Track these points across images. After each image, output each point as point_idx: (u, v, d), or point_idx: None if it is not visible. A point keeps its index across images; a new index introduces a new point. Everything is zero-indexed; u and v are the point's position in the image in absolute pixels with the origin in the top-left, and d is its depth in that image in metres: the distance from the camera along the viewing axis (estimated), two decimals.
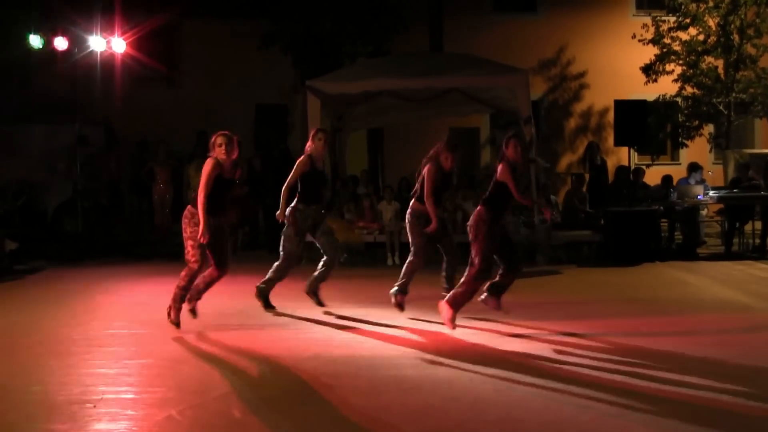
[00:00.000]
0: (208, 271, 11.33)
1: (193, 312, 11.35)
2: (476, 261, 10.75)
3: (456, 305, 10.95)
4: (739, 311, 12.63)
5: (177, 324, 11.22)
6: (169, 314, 11.28)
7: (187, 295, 11.30)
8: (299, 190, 12.44)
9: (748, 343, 10.40)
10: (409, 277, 12.31)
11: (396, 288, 12.31)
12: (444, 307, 10.98)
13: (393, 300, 12.28)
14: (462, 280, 10.94)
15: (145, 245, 21.07)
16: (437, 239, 12.21)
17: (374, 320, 11.87)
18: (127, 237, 21.62)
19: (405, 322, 11.77)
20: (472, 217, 10.90)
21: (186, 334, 11.01)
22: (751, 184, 19.97)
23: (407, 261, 12.38)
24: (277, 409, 7.80)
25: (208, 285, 11.43)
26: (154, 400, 8.04)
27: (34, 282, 16.42)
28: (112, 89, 24.19)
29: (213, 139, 11.22)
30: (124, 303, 13.90)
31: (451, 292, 11.11)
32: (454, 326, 10.92)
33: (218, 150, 11.05)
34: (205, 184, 10.92)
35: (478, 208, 10.87)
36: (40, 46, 20.23)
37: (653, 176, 22.45)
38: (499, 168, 10.79)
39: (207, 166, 11.03)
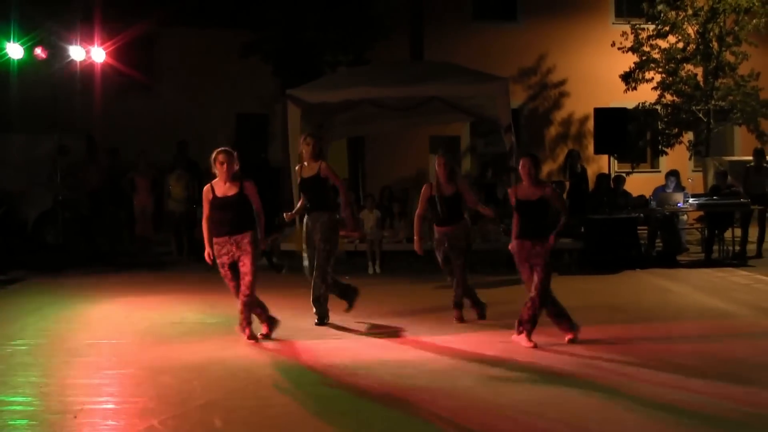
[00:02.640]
0: None
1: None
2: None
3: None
4: (720, 318, 12.68)
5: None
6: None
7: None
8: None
9: (728, 349, 10.46)
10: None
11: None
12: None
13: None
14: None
15: (126, 255, 21.01)
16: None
17: (355, 329, 11.90)
18: (108, 247, 21.52)
19: (385, 330, 11.79)
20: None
21: (167, 344, 11.01)
22: (731, 191, 20.04)
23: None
24: (257, 418, 7.80)
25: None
26: (135, 411, 8.03)
27: (15, 292, 16.32)
28: (92, 99, 24.13)
29: (213, 155, 11.18)
30: (104, 313, 13.85)
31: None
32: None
33: (219, 168, 11.07)
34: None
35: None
36: (20, 56, 20.13)
37: (633, 184, 22.51)
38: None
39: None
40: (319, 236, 12.14)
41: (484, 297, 12.75)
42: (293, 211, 12.49)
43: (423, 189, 12.44)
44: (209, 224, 11.14)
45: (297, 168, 12.66)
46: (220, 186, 11.11)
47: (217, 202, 11.09)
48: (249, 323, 11.18)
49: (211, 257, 11.10)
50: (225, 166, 11.03)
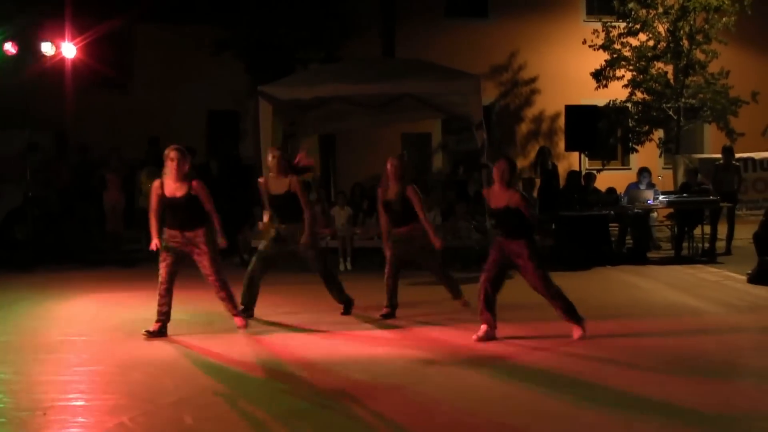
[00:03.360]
0: None
1: None
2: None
3: None
4: (689, 315, 12.75)
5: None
6: None
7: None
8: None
9: (697, 346, 10.51)
10: None
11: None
12: None
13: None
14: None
15: (97, 252, 20.93)
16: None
17: (326, 325, 11.90)
18: (79, 244, 21.43)
19: (356, 326, 11.80)
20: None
21: (137, 341, 10.98)
22: (701, 189, 20.16)
23: None
24: (228, 415, 7.80)
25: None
26: (105, 408, 8.02)
27: None
28: (63, 95, 24.01)
29: (166, 152, 11.14)
30: (74, 310, 13.83)
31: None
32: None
33: (169, 164, 11.01)
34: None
35: None
36: None
37: (604, 181, 22.58)
38: None
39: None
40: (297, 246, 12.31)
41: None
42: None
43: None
44: (158, 218, 11.17)
45: (262, 180, 12.73)
46: (170, 185, 11.09)
47: (166, 201, 11.11)
48: (237, 312, 11.37)
49: (158, 246, 11.13)
50: (175, 163, 10.98)
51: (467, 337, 10.90)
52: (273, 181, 12.42)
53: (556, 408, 7.87)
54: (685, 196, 19.79)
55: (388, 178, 12.50)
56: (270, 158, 12.46)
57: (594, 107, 21.28)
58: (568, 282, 16.19)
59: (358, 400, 8.20)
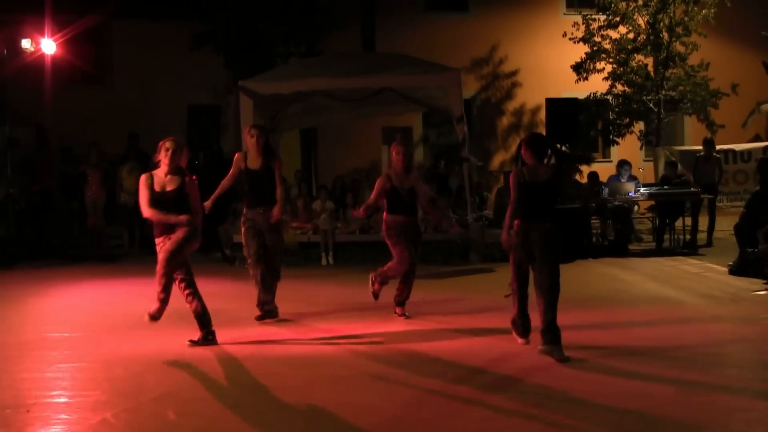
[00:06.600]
0: None
1: None
2: None
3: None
4: (671, 306, 12.78)
5: None
6: None
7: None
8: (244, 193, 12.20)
9: (678, 337, 10.54)
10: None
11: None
12: None
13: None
14: None
15: (78, 248, 20.88)
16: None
17: (308, 320, 11.89)
18: (60, 240, 21.38)
19: (338, 321, 11.79)
20: None
21: (120, 337, 10.95)
22: (681, 181, 20.21)
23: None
24: (211, 410, 7.78)
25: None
26: (88, 404, 7.99)
27: None
28: (43, 91, 23.95)
29: (161, 143, 10.57)
30: (56, 306, 13.77)
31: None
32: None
33: (162, 154, 10.30)
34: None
35: None
36: None
37: (584, 174, 22.63)
38: None
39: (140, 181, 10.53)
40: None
41: (437, 289, 12.77)
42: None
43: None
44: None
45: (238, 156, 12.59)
46: (160, 177, 10.29)
47: (156, 196, 10.27)
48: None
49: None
50: (170, 152, 10.23)
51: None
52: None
53: (540, 400, 7.89)
54: (666, 189, 19.84)
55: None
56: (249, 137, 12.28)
57: (574, 100, 21.36)
58: None
59: (339, 397, 8.19)
